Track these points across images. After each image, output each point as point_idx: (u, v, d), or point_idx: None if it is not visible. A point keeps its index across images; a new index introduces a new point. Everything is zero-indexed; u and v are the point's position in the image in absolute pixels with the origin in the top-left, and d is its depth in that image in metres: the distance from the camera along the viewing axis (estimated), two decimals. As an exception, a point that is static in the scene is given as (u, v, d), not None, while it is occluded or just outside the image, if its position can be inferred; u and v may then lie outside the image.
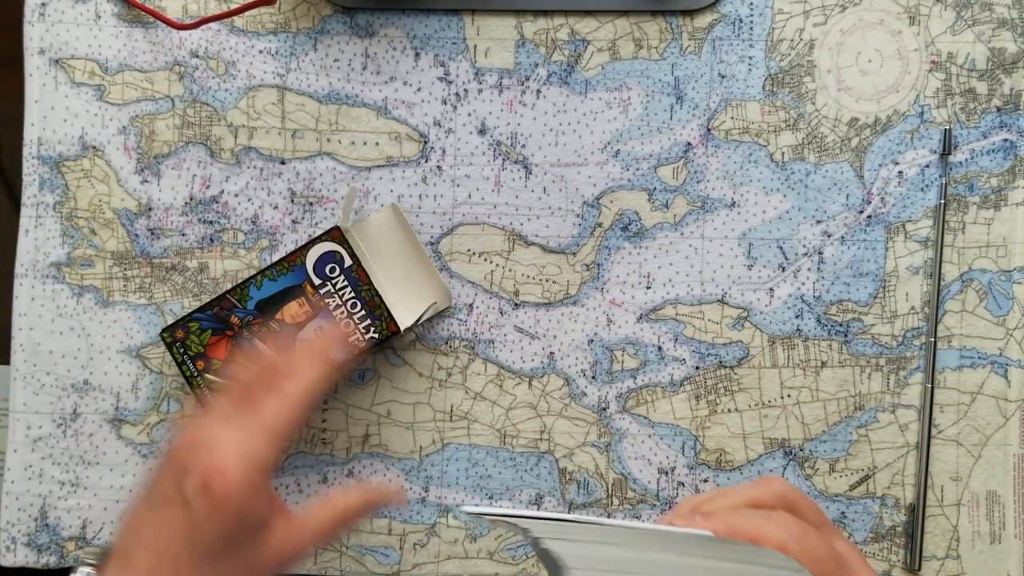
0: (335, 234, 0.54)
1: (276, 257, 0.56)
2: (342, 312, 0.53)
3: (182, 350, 0.53)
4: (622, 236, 0.56)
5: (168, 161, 0.56)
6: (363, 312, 0.53)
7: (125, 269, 0.56)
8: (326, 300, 0.53)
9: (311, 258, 0.54)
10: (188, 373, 0.53)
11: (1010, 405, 0.55)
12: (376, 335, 0.53)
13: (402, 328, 0.53)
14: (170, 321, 0.55)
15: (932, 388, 0.55)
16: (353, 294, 0.53)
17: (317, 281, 0.53)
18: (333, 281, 0.53)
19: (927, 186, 0.56)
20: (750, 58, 0.56)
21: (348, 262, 0.54)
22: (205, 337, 0.53)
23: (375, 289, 0.53)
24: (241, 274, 0.56)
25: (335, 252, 0.54)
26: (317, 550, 0.56)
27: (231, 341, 0.53)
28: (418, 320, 0.54)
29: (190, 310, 0.54)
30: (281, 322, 0.53)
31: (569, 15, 0.56)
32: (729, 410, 0.56)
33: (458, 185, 0.57)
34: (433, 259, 0.56)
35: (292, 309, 0.53)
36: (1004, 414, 0.55)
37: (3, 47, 0.58)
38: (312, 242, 0.54)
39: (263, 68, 0.57)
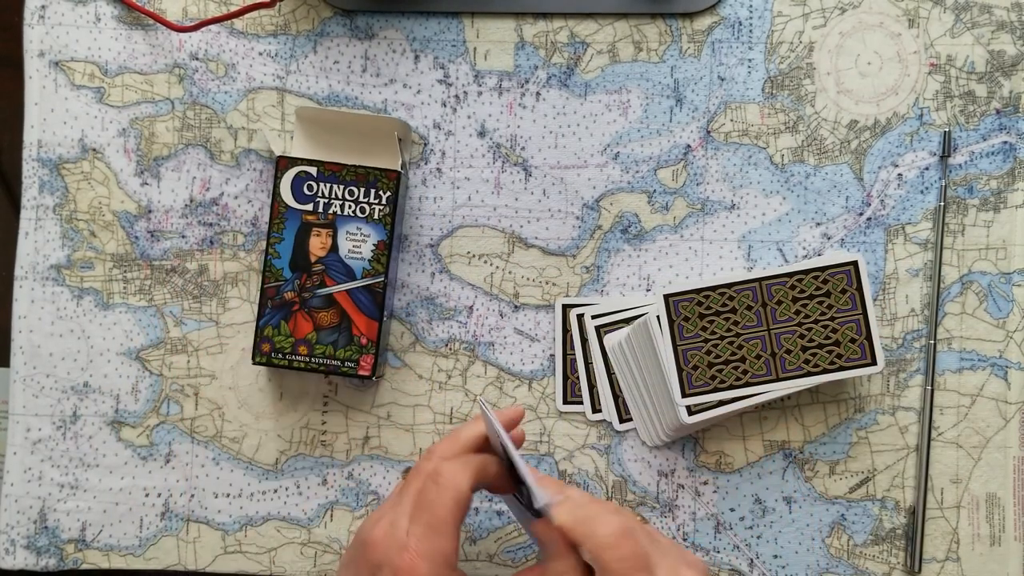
0: (282, 163, 0.53)
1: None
2: (351, 209, 0.53)
3: (280, 355, 0.53)
4: (622, 238, 0.56)
5: (168, 163, 0.56)
6: (362, 190, 0.53)
7: (125, 271, 0.56)
8: (328, 214, 0.53)
9: (286, 194, 0.53)
10: (300, 366, 0.53)
11: (1010, 407, 0.55)
12: (390, 193, 0.53)
13: (399, 169, 0.53)
14: (170, 324, 0.55)
15: (932, 390, 0.55)
16: (341, 186, 0.53)
17: (308, 207, 0.53)
18: (318, 193, 0.53)
19: (927, 188, 0.56)
20: (749, 60, 0.56)
21: (314, 169, 0.53)
22: (284, 329, 0.53)
23: (352, 167, 0.53)
24: (241, 276, 0.56)
25: (299, 172, 0.53)
26: (326, 551, 0.56)
27: (303, 311, 0.53)
28: (404, 155, 0.53)
29: (190, 313, 0.54)
30: (320, 258, 0.53)
31: (569, 17, 0.56)
32: (729, 412, 0.56)
33: (458, 187, 0.57)
34: (433, 261, 0.56)
35: (315, 245, 0.53)
36: (1004, 416, 0.55)
37: (3, 49, 0.58)
38: (273, 192, 0.53)
39: (263, 70, 0.57)
